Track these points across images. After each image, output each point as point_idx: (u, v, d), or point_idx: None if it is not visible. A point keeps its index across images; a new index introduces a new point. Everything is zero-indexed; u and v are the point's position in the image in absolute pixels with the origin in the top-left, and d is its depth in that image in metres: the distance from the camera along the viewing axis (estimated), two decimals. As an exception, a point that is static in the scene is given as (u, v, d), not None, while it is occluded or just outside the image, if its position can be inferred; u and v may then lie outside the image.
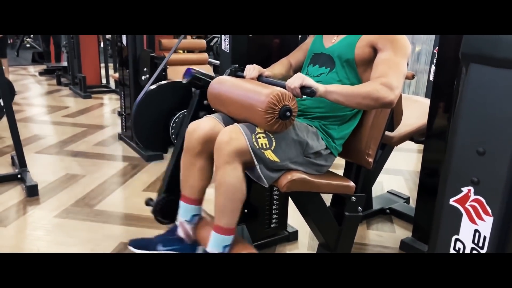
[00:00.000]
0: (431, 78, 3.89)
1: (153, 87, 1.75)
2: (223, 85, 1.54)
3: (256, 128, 1.40)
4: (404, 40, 1.49)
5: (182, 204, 1.56)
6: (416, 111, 2.45)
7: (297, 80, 1.39)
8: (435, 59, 3.98)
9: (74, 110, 4.80)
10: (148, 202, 1.72)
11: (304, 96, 1.51)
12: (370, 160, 1.64)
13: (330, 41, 1.64)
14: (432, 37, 4.94)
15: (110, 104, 5.29)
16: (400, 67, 1.45)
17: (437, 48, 3.95)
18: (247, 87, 1.46)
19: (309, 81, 1.39)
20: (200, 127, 1.49)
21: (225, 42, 1.89)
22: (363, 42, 1.53)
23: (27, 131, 3.90)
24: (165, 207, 1.67)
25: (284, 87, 1.42)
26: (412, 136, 2.35)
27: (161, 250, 1.54)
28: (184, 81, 1.67)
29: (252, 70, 1.59)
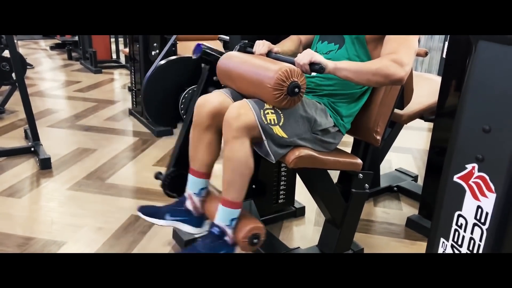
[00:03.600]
0: (444, 55, 3.82)
1: (163, 62, 1.75)
2: (232, 60, 1.54)
3: (265, 104, 1.40)
4: (416, 16, 1.47)
5: (190, 177, 1.59)
6: (427, 89, 2.42)
7: (306, 56, 1.38)
8: (448, 36, 3.91)
9: (85, 85, 4.83)
10: (157, 176, 1.74)
11: (313, 73, 1.50)
12: (378, 137, 1.64)
13: (341, 17, 1.62)
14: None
15: (120, 79, 5.31)
16: (411, 43, 1.43)
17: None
18: (256, 63, 1.45)
19: (318, 57, 1.38)
20: (209, 102, 1.50)
21: (235, 17, 1.88)
22: (374, 18, 1.51)
23: (39, 105, 3.95)
24: (173, 181, 1.69)
25: (293, 63, 1.42)
26: (422, 114, 2.34)
27: (168, 219, 1.57)
28: (194, 57, 1.67)
29: (261, 46, 1.59)
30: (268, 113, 1.38)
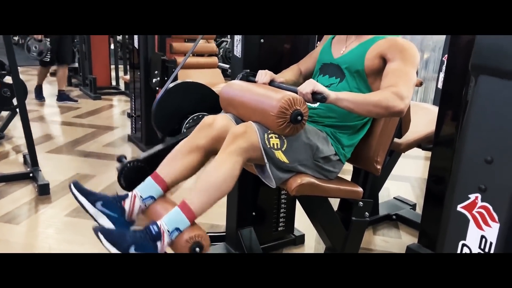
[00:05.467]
0: (439, 85, 3.90)
1: (172, 85, 1.78)
2: (235, 89, 1.57)
3: (269, 129, 1.43)
4: (413, 49, 1.52)
5: (148, 179, 1.47)
6: (424, 118, 2.46)
7: (309, 85, 1.42)
8: (443, 66, 4.00)
9: (85, 111, 4.87)
10: (120, 159, 1.59)
11: (315, 105, 1.53)
12: (379, 167, 1.66)
13: (339, 52, 1.67)
14: (441, 44, 4.95)
15: (119, 105, 5.35)
16: (409, 76, 1.47)
17: (445, 56, 3.98)
18: (259, 92, 1.49)
19: (321, 87, 1.42)
20: (216, 123, 1.49)
21: (237, 47, 1.93)
22: (372, 53, 1.56)
23: (39, 131, 3.97)
24: (132, 171, 1.53)
25: (295, 92, 1.45)
26: (420, 143, 2.37)
27: (98, 208, 1.43)
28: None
29: (264, 75, 1.63)
30: (271, 137, 1.41)
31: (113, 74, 6.18)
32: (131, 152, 3.58)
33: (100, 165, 3.21)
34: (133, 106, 3.82)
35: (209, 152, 1.50)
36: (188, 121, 1.80)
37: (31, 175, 2.78)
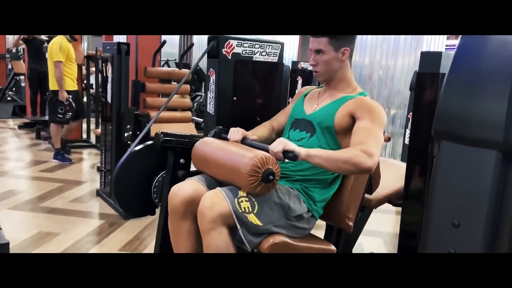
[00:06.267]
0: (406, 141, 4.04)
1: (137, 148, 1.76)
2: (208, 147, 1.58)
3: (239, 191, 1.42)
4: (381, 110, 1.58)
5: None
6: (393, 174, 2.52)
7: (280, 144, 1.44)
8: (409, 123, 4.17)
9: (52, 165, 4.72)
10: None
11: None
12: (351, 223, 1.66)
13: (311, 108, 1.72)
14: (406, 102, 5.19)
15: (89, 159, 5.24)
16: (378, 135, 1.52)
17: (411, 113, 4.16)
18: (232, 150, 1.50)
19: (291, 146, 1.44)
20: (182, 190, 1.50)
21: (210, 104, 1.96)
22: (342, 112, 1.61)
23: (2, 186, 3.80)
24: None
25: (267, 150, 1.47)
26: (390, 199, 2.40)
27: None
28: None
29: (236, 133, 1.64)
30: (242, 201, 1.39)
31: (84, 126, 6.09)
32: (98, 207, 3.46)
33: (65, 222, 3.08)
34: (103, 159, 3.75)
35: (194, 216, 1.48)
36: (158, 178, 1.77)
37: (-11, 233, 2.62)
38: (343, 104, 1.63)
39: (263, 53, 2.00)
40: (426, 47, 5.59)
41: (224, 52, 1.89)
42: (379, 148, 1.51)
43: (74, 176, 4.37)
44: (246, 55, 1.95)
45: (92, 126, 6.31)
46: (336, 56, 1.63)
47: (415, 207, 2.12)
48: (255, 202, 1.42)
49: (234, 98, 1.92)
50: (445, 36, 5.74)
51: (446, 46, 5.98)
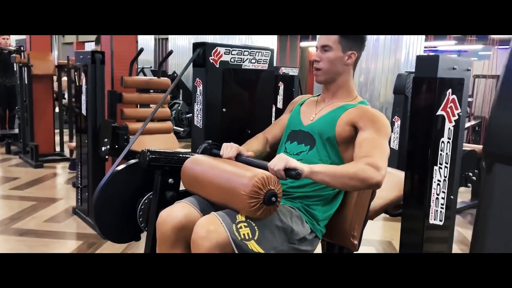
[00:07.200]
0: (392, 145, 3.98)
1: (119, 168, 1.59)
2: (200, 165, 1.43)
3: (237, 216, 1.28)
4: (385, 120, 1.48)
5: None
6: (388, 183, 2.42)
7: (281, 162, 1.31)
8: (394, 127, 4.12)
9: (24, 182, 4.45)
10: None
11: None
12: (355, 242, 1.55)
13: (309, 119, 1.60)
14: (387, 105, 5.17)
15: (63, 174, 4.98)
16: (384, 147, 1.42)
17: (396, 117, 4.11)
18: (228, 169, 1.35)
19: (294, 163, 1.31)
20: (172, 216, 1.35)
21: (198, 117, 1.81)
22: (343, 120, 1.50)
23: (-33, 207, 3.53)
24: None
25: (266, 168, 1.34)
26: (387, 209, 2.31)
27: None
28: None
29: (229, 149, 1.50)
30: (241, 227, 1.25)
31: (57, 139, 5.81)
32: (76, 227, 3.25)
33: (39, 244, 2.85)
34: (79, 174, 3.53)
35: (187, 243, 1.33)
36: (143, 200, 1.61)
37: (-46, 263, 2.39)
38: (343, 113, 1.52)
39: (253, 61, 1.87)
40: (405, 49, 5.59)
41: (211, 60, 1.75)
42: (386, 161, 1.40)
43: (48, 193, 4.12)
44: (235, 63, 1.81)
45: (66, 138, 6.04)
46: (342, 57, 1.53)
47: (416, 215, 2.04)
48: (255, 227, 1.28)
49: (224, 109, 1.78)
50: (423, 38, 5.75)
51: (424, 48, 6.01)
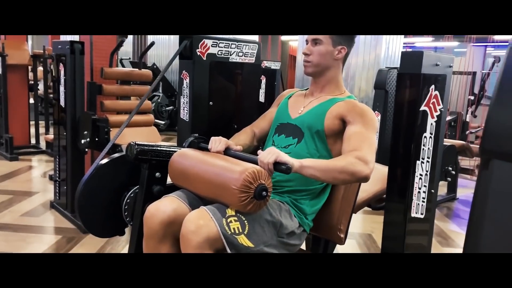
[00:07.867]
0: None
1: (103, 161, 1.55)
2: (189, 159, 1.41)
3: (227, 210, 1.27)
4: (372, 114, 1.50)
5: None
6: (371, 177, 2.46)
7: (271, 155, 1.31)
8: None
9: (-2, 174, 4.32)
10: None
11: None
12: (342, 236, 1.57)
13: (297, 112, 1.60)
14: (367, 100, 5.23)
15: (40, 166, 4.85)
16: (372, 141, 1.43)
17: (376, 112, 4.16)
18: (217, 163, 1.34)
19: (284, 157, 1.31)
20: (160, 210, 1.33)
21: (184, 110, 1.79)
22: (332, 114, 1.51)
23: None
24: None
25: (256, 162, 1.33)
26: (369, 203, 2.34)
27: None
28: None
29: (218, 143, 1.49)
30: (231, 221, 1.25)
31: (32, 130, 5.65)
32: (54, 221, 3.17)
33: (16, 239, 2.78)
34: (57, 167, 3.44)
35: (175, 237, 1.31)
36: (129, 194, 1.58)
37: None
38: (332, 106, 1.53)
39: (240, 54, 1.85)
40: (385, 45, 5.66)
41: (198, 53, 1.72)
42: (374, 154, 1.42)
43: (24, 186, 4.01)
44: (222, 55, 1.79)
45: (41, 130, 5.88)
46: (332, 51, 1.54)
47: (398, 208, 2.08)
48: (245, 221, 1.28)
49: (211, 103, 1.76)
50: (402, 35, 5.84)
51: (404, 44, 6.09)
